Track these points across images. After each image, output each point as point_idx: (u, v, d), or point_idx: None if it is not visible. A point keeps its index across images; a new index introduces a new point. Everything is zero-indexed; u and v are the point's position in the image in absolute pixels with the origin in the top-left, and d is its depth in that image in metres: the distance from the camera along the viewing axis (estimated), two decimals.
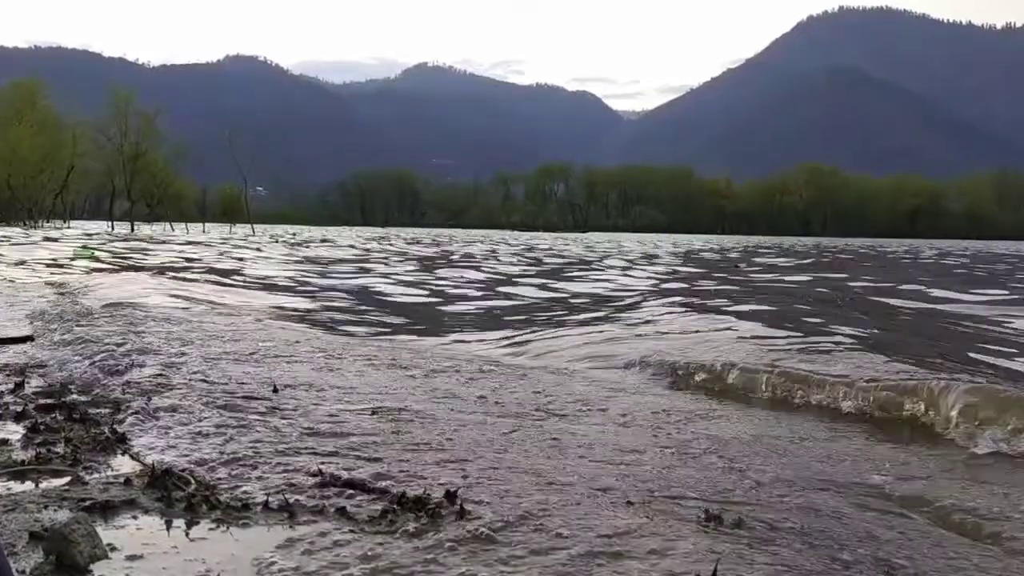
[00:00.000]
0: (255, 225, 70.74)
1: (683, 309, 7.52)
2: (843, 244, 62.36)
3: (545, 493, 2.06)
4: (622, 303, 8.83)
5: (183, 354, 4.02)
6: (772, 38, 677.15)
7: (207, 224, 74.35)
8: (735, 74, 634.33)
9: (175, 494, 1.97)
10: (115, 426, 2.61)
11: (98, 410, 2.89)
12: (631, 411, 3.33)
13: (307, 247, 28.34)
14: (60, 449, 2.37)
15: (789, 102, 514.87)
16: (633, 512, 1.96)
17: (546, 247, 35.37)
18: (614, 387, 3.94)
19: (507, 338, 5.90)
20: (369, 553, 1.68)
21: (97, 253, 19.12)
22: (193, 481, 2.06)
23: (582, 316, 7.41)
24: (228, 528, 1.82)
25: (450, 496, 1.96)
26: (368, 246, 31.25)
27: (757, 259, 25.23)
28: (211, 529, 1.82)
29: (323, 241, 37.68)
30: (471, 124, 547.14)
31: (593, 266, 18.60)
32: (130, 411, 2.83)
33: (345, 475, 2.14)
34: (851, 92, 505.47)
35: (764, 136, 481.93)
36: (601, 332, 5.95)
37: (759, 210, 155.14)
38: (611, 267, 18.09)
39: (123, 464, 2.27)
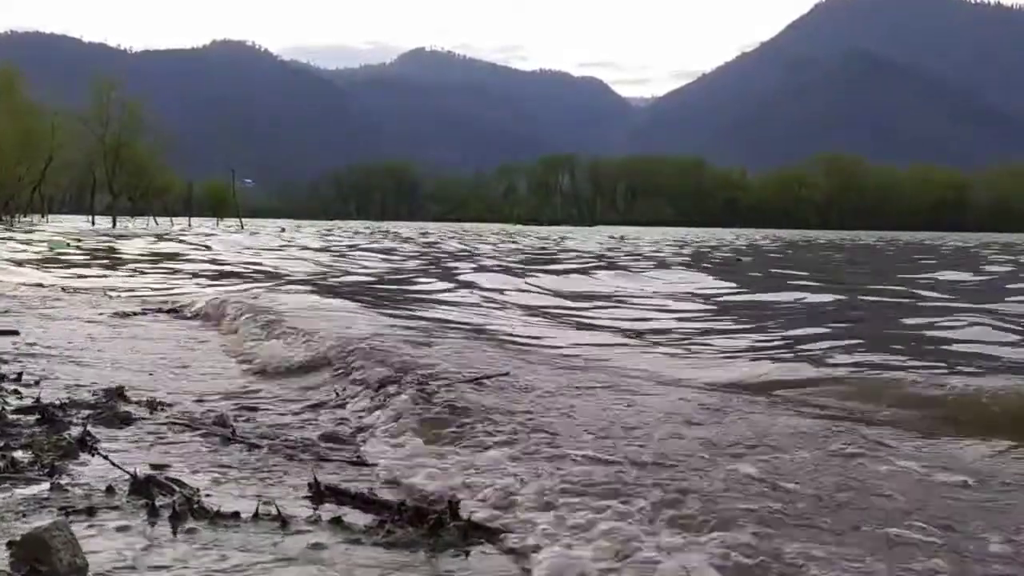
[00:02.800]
0: (243, 219, 70.48)
1: None
2: (831, 238, 62.12)
3: None
4: None
5: None
6: (789, 20, 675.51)
7: (193, 219, 74.08)
8: (750, 58, 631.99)
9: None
10: None
11: None
12: None
13: None
14: None
15: (807, 88, 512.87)
16: None
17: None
18: None
19: None
20: None
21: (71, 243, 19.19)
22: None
23: None
24: None
25: None
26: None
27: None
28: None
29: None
30: (471, 113, 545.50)
31: None
32: None
33: None
34: (872, 78, 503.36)
35: (780, 124, 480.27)
36: None
37: (775, 203, 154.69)
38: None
39: None
